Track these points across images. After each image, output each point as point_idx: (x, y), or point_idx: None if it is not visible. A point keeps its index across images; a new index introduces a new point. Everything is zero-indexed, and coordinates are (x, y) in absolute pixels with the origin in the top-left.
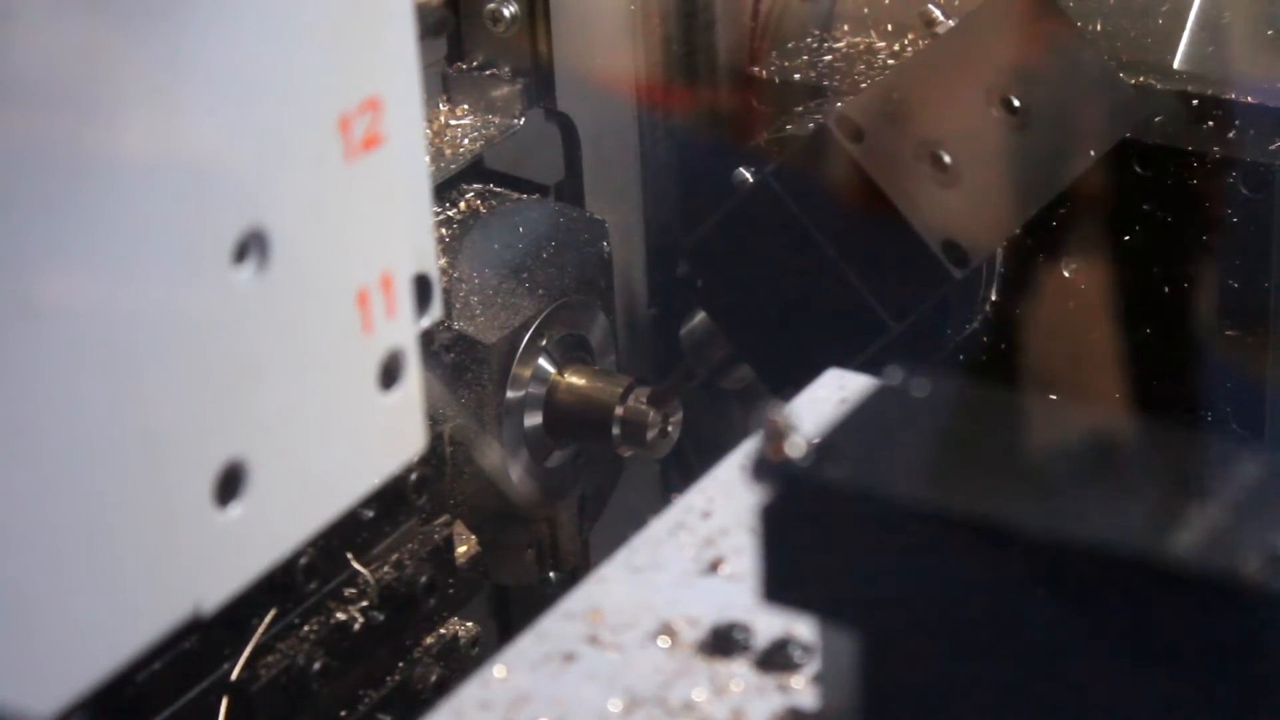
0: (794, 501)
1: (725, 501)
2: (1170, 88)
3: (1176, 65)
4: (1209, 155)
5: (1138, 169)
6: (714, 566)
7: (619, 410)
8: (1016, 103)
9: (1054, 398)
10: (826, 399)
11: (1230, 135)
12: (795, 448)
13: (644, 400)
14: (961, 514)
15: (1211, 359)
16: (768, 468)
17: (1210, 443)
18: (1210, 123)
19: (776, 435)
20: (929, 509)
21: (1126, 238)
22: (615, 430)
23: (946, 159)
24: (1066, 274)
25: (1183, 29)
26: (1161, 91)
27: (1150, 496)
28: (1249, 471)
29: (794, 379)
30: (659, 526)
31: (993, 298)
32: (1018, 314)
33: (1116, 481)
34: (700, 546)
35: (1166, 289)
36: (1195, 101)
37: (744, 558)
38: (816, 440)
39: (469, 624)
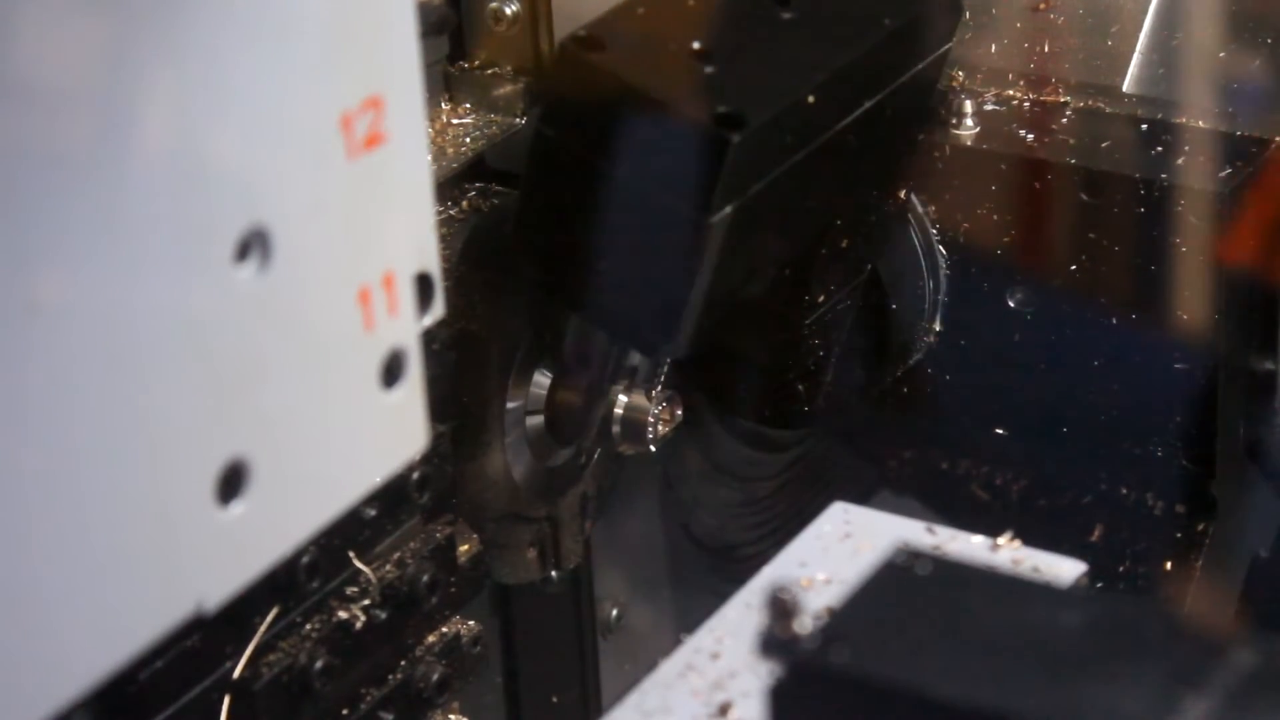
0: (801, 682)
1: (733, 642)
2: (1119, 111)
3: (1125, 88)
4: (1157, 182)
5: (1084, 196)
6: (723, 710)
7: (618, 409)
8: None
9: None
10: (831, 534)
11: (1179, 161)
12: (803, 626)
13: (642, 397)
14: (965, 702)
15: (1162, 391)
16: (776, 644)
17: (1209, 629)
18: (1159, 148)
19: (784, 613)
20: (932, 696)
21: (1073, 266)
22: (615, 428)
23: (704, 45)
24: (1011, 304)
25: (1132, 51)
26: (1110, 115)
27: (1151, 686)
28: (1247, 659)
29: (635, 321)
30: (669, 668)
31: (936, 328)
32: (962, 345)
33: (1120, 670)
34: (710, 690)
35: (1114, 319)
36: (1144, 126)
37: (752, 702)
38: (823, 622)
39: (471, 623)
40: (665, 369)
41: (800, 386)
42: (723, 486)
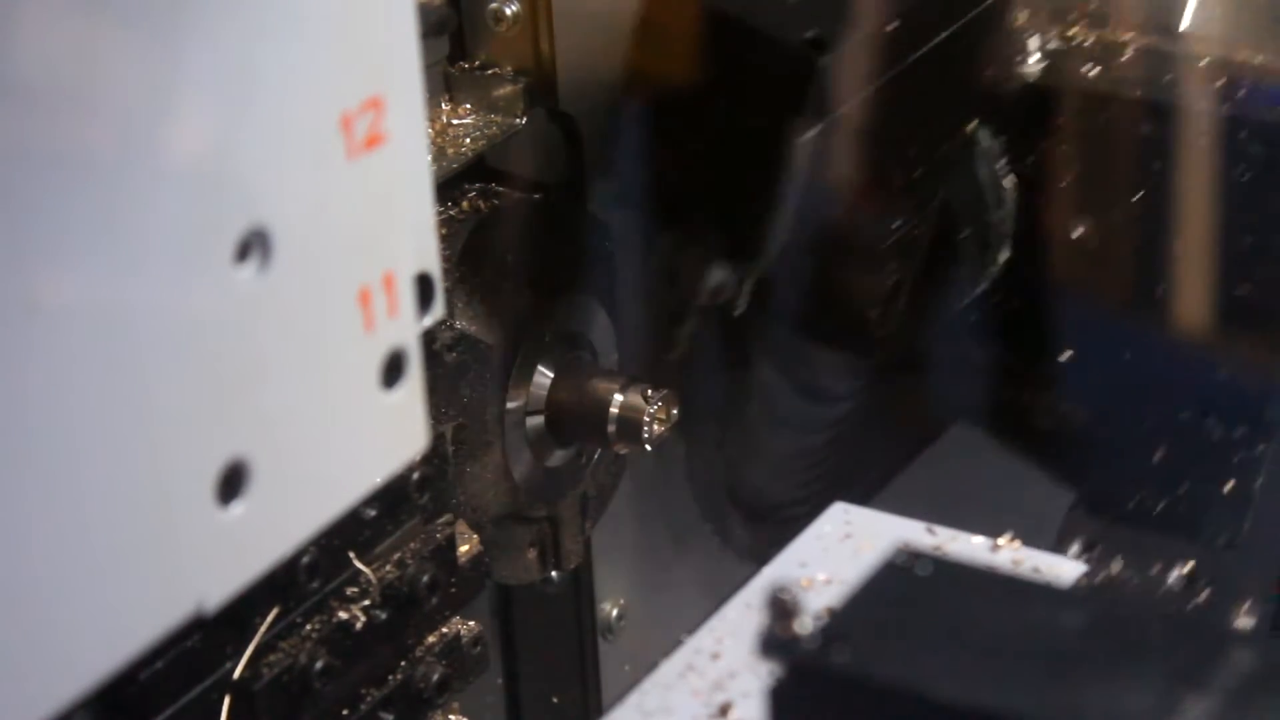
0: (801, 683)
1: (733, 642)
2: (1179, 50)
3: (1184, 27)
4: (1218, 115)
5: (1146, 129)
6: (723, 711)
7: (614, 408)
8: None
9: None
10: (831, 534)
11: (1240, 94)
12: (803, 626)
13: (639, 396)
14: (965, 703)
15: (1225, 317)
16: (776, 644)
17: (1209, 629)
18: (1219, 83)
19: (784, 613)
20: (933, 696)
21: (1135, 198)
22: (611, 428)
23: None
24: (1077, 234)
25: None
26: (1169, 53)
27: (1151, 686)
28: (1247, 659)
29: (725, 237)
30: (669, 668)
31: (1003, 258)
32: (1028, 274)
33: (1120, 670)
34: (710, 690)
35: (1176, 246)
36: (1204, 62)
37: (752, 703)
38: (823, 622)
39: (471, 623)
40: (748, 290)
41: (873, 313)
42: (777, 438)
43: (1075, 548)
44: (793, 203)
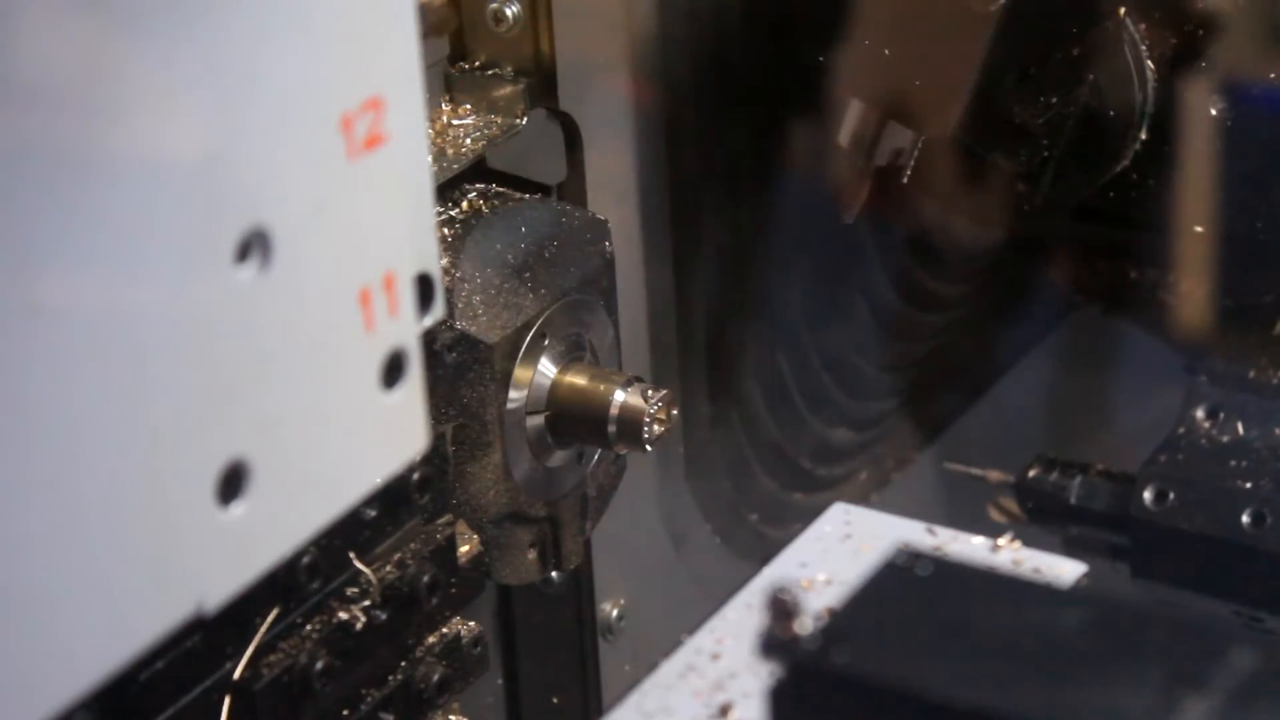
0: (801, 684)
1: (733, 643)
2: None
3: None
4: None
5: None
6: (723, 711)
7: (614, 409)
8: None
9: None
10: (832, 535)
11: None
12: (803, 626)
13: (639, 396)
14: (965, 703)
15: None
16: (776, 645)
17: (1209, 629)
18: None
19: (784, 613)
20: (933, 697)
21: (1273, 75)
22: (611, 428)
23: None
24: (1214, 112)
25: None
26: None
27: (1151, 687)
28: (1247, 659)
29: (915, 101)
30: (669, 669)
31: (1142, 137)
32: (1166, 153)
33: (1120, 670)
34: (710, 691)
35: None
36: None
37: (753, 703)
38: (823, 622)
39: (471, 623)
40: (916, 155)
41: (1022, 186)
42: (880, 346)
43: (1200, 411)
44: (979, 66)
